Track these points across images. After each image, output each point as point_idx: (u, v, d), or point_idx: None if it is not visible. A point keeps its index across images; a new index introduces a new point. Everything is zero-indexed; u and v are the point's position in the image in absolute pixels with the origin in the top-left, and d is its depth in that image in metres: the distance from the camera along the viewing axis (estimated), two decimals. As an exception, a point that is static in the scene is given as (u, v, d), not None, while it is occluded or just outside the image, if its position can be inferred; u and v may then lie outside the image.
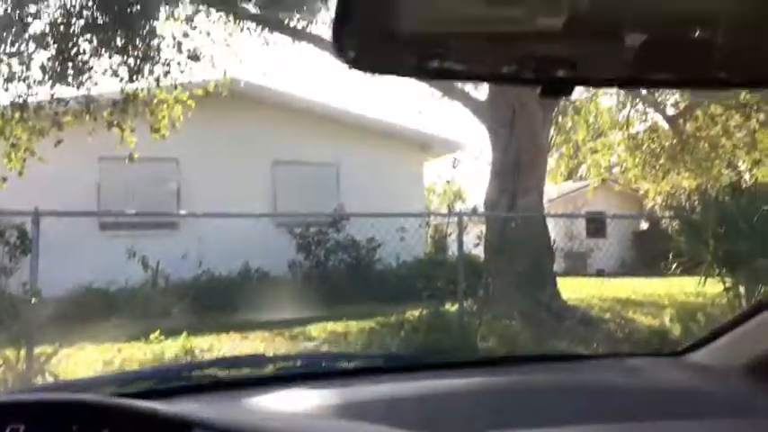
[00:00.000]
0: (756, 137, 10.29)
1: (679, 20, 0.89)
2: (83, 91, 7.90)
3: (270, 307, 9.55)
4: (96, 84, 7.90)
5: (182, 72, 8.06)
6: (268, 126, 12.27)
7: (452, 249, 10.31)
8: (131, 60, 7.64)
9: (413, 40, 0.88)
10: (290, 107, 12.62)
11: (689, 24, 0.88)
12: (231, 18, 9.13)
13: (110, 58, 7.58)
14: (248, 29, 9.60)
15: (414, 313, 8.60)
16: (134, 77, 7.75)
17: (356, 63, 0.88)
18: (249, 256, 10.54)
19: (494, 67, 0.91)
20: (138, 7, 7.10)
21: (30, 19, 7.50)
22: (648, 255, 14.92)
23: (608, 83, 1.48)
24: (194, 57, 7.98)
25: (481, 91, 10.83)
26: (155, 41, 7.75)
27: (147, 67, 7.68)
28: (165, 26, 8.25)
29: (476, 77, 1.04)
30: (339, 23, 0.85)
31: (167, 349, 7.38)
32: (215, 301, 9.44)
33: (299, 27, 9.78)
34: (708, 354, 1.61)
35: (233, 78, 9.86)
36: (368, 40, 0.88)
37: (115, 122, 8.14)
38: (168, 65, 7.92)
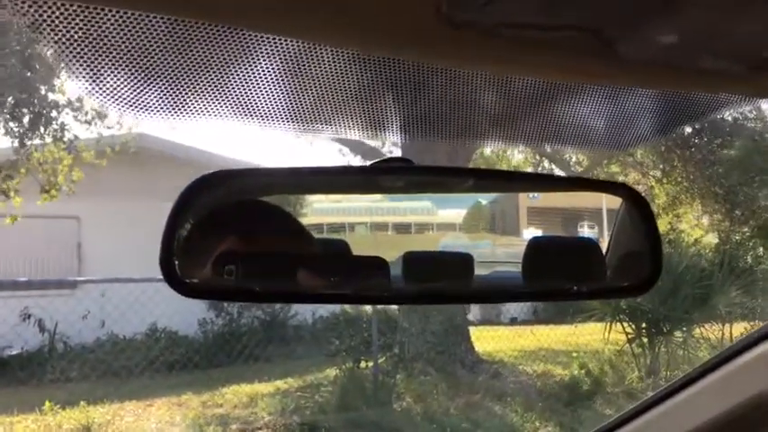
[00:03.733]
0: (653, 192, 10.98)
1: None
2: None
3: (178, 370, 9.18)
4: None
5: (86, 129, 7.81)
6: (178, 182, 11.99)
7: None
8: (24, 119, 7.34)
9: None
10: (200, 163, 12.43)
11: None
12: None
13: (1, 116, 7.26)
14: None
15: (329, 373, 8.49)
16: (25, 137, 7.45)
17: (188, 291, 1.00)
18: (157, 314, 10.14)
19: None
20: (37, 66, 6.87)
21: None
22: (559, 303, 15.39)
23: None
24: (100, 114, 7.76)
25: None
26: (51, 99, 7.50)
27: (41, 127, 7.40)
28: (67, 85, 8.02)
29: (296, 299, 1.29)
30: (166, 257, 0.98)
31: (64, 422, 6.93)
32: (118, 365, 8.97)
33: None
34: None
35: (140, 134, 9.63)
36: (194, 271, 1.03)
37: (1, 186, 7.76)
38: (63, 125, 7.67)
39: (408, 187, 1.29)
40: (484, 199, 1.74)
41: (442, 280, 1.23)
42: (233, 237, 1.05)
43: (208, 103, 1.00)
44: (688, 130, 10.36)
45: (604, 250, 1.31)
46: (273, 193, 1.29)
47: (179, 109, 1.01)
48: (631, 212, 1.15)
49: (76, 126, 8.24)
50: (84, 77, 0.87)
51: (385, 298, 1.40)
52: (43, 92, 7.50)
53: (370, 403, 7.58)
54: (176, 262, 0.99)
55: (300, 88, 0.98)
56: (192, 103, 1.00)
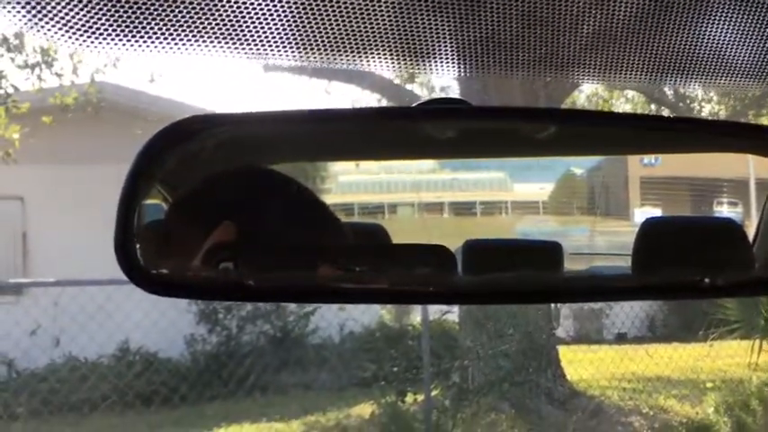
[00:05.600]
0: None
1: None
2: None
3: (158, 404, 9.34)
4: None
5: (25, 80, 7.94)
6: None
7: (416, 315, 10.31)
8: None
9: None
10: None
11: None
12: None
13: None
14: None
15: (363, 409, 8.54)
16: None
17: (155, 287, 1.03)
18: (128, 329, 10.34)
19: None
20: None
21: None
22: (686, 311, 15.19)
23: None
24: (46, 56, 7.90)
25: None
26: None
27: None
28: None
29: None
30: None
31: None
32: (78, 397, 9.19)
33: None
34: None
35: (105, 83, 9.78)
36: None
37: None
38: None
39: (463, 141, 1.26)
40: (578, 167, 1.71)
41: (518, 275, 1.21)
42: (229, 223, 1.03)
43: (188, 29, 0.98)
44: None
45: (751, 237, 1.28)
46: (285, 158, 1.28)
47: (149, 37, 1.00)
48: None
49: (15, 73, 8.39)
50: (22, 4, 0.87)
51: (440, 295, 1.33)
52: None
53: (420, 451, 7.62)
54: (138, 246, 0.97)
55: (312, 4, 0.96)
56: (167, 29, 0.98)
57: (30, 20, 0.91)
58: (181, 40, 1.03)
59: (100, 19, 0.95)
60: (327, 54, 1.10)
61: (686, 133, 1.27)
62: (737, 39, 1.13)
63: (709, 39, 1.14)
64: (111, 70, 12.64)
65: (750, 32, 1.11)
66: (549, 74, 1.22)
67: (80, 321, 9.32)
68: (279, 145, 1.25)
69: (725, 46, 1.16)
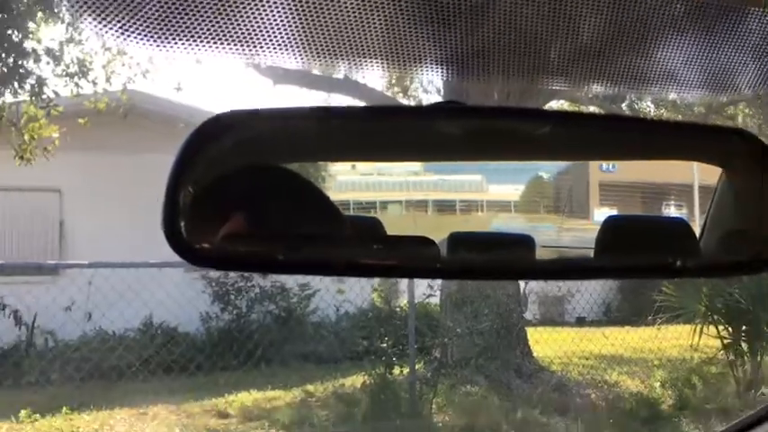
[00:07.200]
0: None
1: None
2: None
3: (177, 373, 9.35)
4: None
5: (65, 85, 7.95)
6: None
7: (403, 299, 10.33)
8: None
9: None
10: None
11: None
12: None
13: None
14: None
15: (355, 380, 8.57)
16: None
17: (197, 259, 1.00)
18: (152, 306, 10.35)
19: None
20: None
21: None
22: (637, 299, 15.23)
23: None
24: (83, 67, 7.89)
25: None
26: (25, 48, 7.65)
27: (14, 81, 7.54)
28: (43, 31, 8.21)
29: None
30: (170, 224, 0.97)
31: (44, 431, 7.14)
32: (107, 365, 9.18)
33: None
34: None
35: (135, 91, 9.79)
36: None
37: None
38: (41, 79, 7.81)
39: (465, 139, 1.28)
40: (546, 172, 1.72)
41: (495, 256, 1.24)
42: (241, 216, 1.04)
43: (205, 28, 0.98)
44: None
45: (698, 233, 1.30)
46: (300, 158, 1.29)
47: (172, 37, 1.00)
48: (748, 169, 1.13)
49: (55, 81, 8.39)
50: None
51: (431, 270, 1.38)
52: (16, 39, 7.63)
53: (404, 417, 7.63)
54: (182, 223, 0.97)
55: (317, 9, 0.96)
56: (188, 30, 0.98)
57: (75, 8, 0.91)
58: (194, 39, 1.04)
59: (129, 16, 0.95)
60: (327, 60, 1.11)
61: (665, 136, 1.29)
62: (697, 57, 1.14)
63: (671, 56, 1.15)
64: (140, 80, 12.68)
65: (704, 53, 1.12)
66: (528, 79, 1.22)
67: (110, 299, 9.32)
68: (297, 144, 1.27)
69: (689, 62, 1.17)
